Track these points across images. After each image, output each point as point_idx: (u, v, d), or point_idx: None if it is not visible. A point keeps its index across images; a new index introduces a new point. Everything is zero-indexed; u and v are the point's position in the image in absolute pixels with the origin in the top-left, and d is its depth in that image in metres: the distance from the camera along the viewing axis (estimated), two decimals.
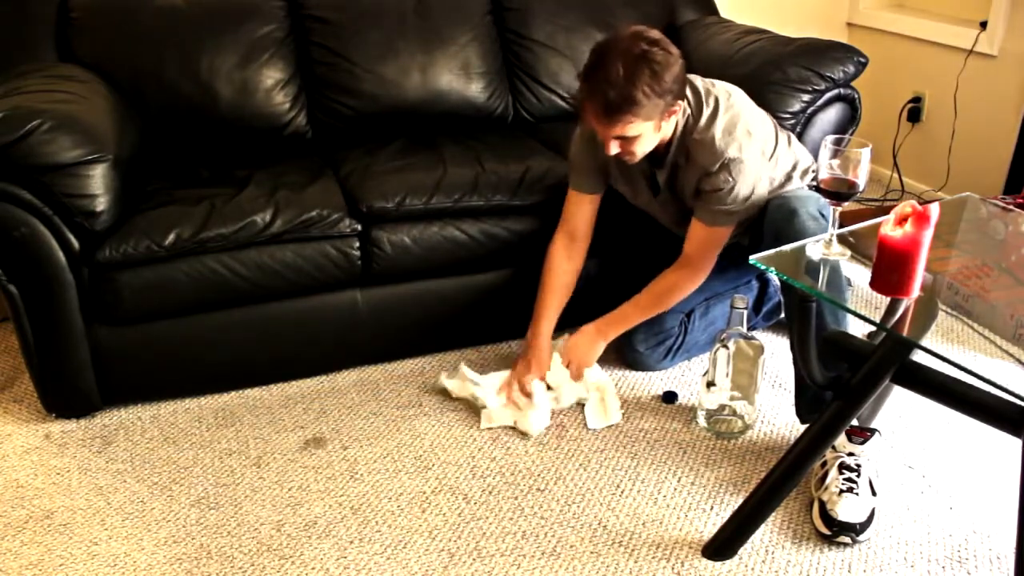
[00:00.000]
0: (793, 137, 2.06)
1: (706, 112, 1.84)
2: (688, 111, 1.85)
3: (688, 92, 1.85)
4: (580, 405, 2.02)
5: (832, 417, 1.50)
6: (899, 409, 2.01)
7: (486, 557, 1.60)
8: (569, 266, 2.07)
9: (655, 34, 1.75)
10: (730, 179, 1.83)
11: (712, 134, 1.82)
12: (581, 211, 2.05)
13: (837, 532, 1.60)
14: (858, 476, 1.65)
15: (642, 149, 1.81)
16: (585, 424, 1.97)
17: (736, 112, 1.85)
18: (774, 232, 1.84)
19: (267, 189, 2.03)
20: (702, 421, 1.96)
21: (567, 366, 2.03)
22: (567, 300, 2.10)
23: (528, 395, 1.96)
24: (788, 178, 1.98)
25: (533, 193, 2.12)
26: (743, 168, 1.83)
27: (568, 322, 2.19)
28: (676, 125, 1.85)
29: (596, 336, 2.04)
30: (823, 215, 1.85)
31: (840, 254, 1.48)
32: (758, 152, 1.86)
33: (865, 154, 1.39)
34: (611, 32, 1.79)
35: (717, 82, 1.91)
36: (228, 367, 2.06)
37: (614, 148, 1.79)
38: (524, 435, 1.93)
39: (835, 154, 1.40)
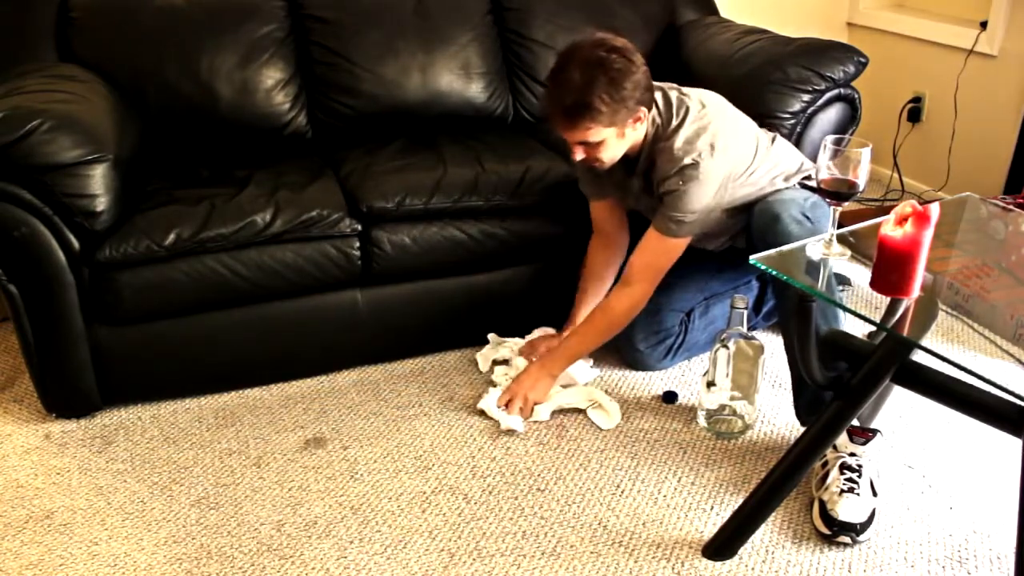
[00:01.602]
0: (781, 140, 2.04)
1: (674, 122, 1.84)
2: (658, 120, 1.85)
3: (660, 101, 1.86)
4: (580, 411, 2.02)
5: (832, 417, 1.50)
6: (899, 409, 2.01)
7: (486, 557, 1.60)
8: (601, 261, 2.13)
9: (618, 42, 1.76)
10: (680, 182, 1.82)
11: (673, 142, 1.83)
12: (602, 214, 2.10)
13: (837, 532, 1.60)
14: (859, 476, 1.65)
15: (608, 155, 1.82)
16: (585, 424, 1.97)
17: (705, 124, 1.83)
18: (759, 237, 1.85)
19: (267, 189, 2.03)
20: (702, 421, 1.96)
21: (508, 403, 1.96)
22: (605, 290, 2.13)
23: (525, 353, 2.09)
24: (772, 184, 1.97)
25: (533, 193, 2.12)
26: (696, 175, 1.81)
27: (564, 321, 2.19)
28: (647, 134, 1.85)
29: (541, 373, 1.99)
30: (807, 216, 1.85)
31: (840, 254, 1.48)
32: (719, 167, 1.84)
33: (865, 154, 1.39)
34: (576, 39, 1.80)
35: (695, 92, 1.91)
36: (228, 367, 2.06)
37: (579, 154, 1.81)
38: (524, 435, 1.93)
39: (835, 154, 1.40)
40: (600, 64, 1.71)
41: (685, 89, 1.92)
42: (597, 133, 1.75)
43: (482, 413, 1.99)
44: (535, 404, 1.97)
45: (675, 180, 1.83)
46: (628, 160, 1.89)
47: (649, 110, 1.82)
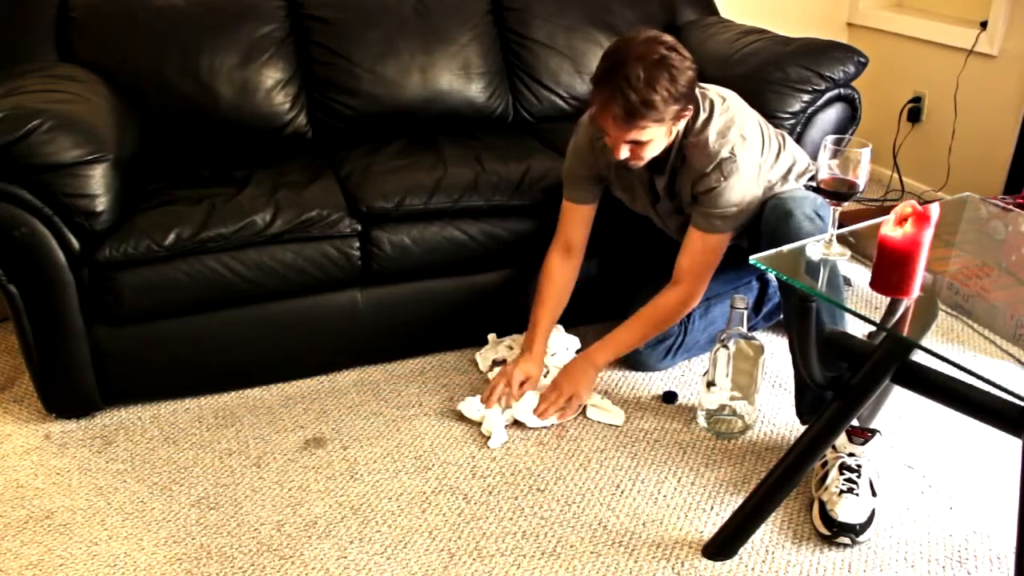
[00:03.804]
0: (789, 138, 2.06)
1: (702, 116, 1.84)
2: (687, 115, 1.85)
3: None
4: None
5: (832, 417, 1.50)
6: (899, 409, 2.01)
7: (486, 557, 1.60)
8: (567, 278, 2.07)
9: (670, 39, 1.75)
10: (722, 178, 1.82)
11: (706, 136, 1.82)
12: (576, 223, 2.04)
13: (837, 533, 1.60)
14: (858, 477, 1.65)
15: (650, 153, 1.81)
16: (585, 424, 1.97)
17: (731, 116, 1.84)
18: (770, 233, 1.84)
19: (267, 189, 2.03)
20: (702, 421, 1.96)
21: (555, 399, 1.94)
22: (562, 310, 2.09)
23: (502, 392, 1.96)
24: (784, 180, 1.98)
25: (533, 193, 2.12)
26: (735, 168, 1.82)
27: (569, 321, 2.19)
28: (677, 130, 1.85)
29: (588, 364, 1.98)
30: (819, 215, 1.85)
31: (840, 254, 1.48)
32: (752, 156, 1.86)
33: (865, 154, 1.39)
34: (623, 37, 1.77)
35: (710, 86, 1.91)
36: (228, 367, 2.06)
37: (624, 153, 1.78)
38: (524, 435, 1.93)
39: (835, 154, 1.40)
40: (662, 62, 1.68)
41: (700, 83, 1.92)
42: (651, 132, 1.74)
43: (461, 416, 1.98)
44: (578, 404, 1.96)
45: (715, 176, 1.82)
46: (654, 159, 1.87)
47: (691, 106, 1.80)
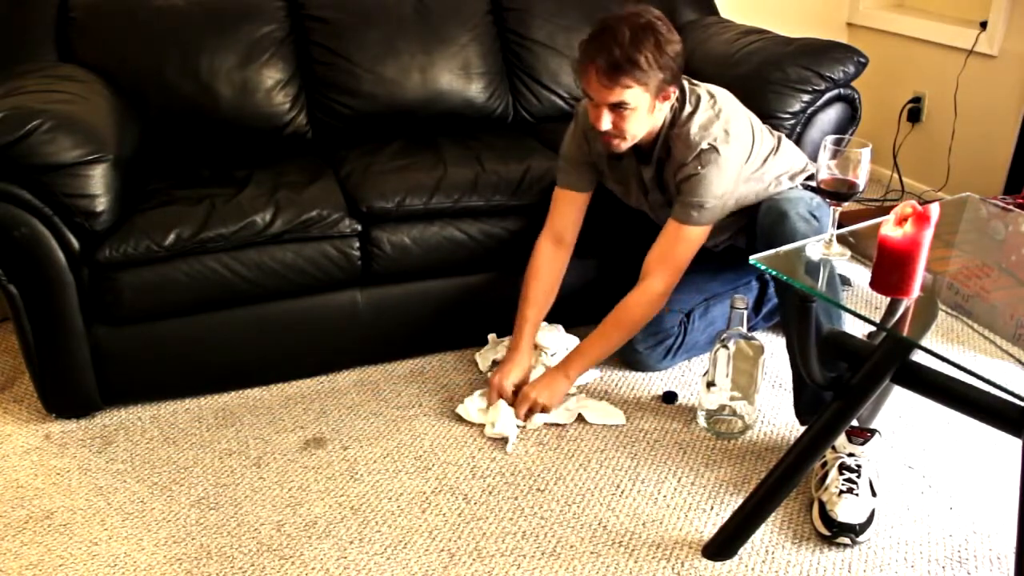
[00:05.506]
0: (786, 140, 2.05)
1: (687, 108, 1.85)
2: (675, 106, 1.86)
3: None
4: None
5: (832, 417, 1.50)
6: (899, 409, 2.01)
7: (486, 557, 1.60)
8: (555, 269, 2.06)
9: (658, 12, 1.79)
10: (699, 166, 1.82)
11: (689, 128, 1.83)
12: (569, 212, 2.04)
13: (837, 533, 1.60)
14: (858, 477, 1.65)
15: (633, 129, 1.81)
16: (585, 424, 1.97)
17: (717, 111, 1.85)
18: (765, 235, 1.85)
19: (267, 189, 2.03)
20: (702, 421, 1.96)
21: (527, 408, 1.93)
22: (550, 305, 2.08)
23: (504, 397, 1.95)
24: (779, 181, 1.98)
25: (533, 193, 2.12)
26: (715, 159, 1.82)
27: (569, 321, 2.19)
28: (664, 120, 1.85)
29: (557, 375, 1.96)
30: (814, 216, 1.85)
31: (840, 254, 1.48)
32: (735, 153, 1.85)
33: (865, 154, 1.39)
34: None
35: (702, 83, 1.92)
36: (228, 367, 2.06)
37: (606, 121, 1.78)
38: (524, 435, 1.93)
39: (835, 154, 1.40)
40: (649, 26, 1.73)
41: (693, 80, 1.93)
42: (634, 95, 1.74)
43: (460, 418, 1.98)
44: (544, 409, 1.94)
45: (694, 164, 1.83)
46: (641, 150, 1.88)
47: (675, 89, 1.82)
